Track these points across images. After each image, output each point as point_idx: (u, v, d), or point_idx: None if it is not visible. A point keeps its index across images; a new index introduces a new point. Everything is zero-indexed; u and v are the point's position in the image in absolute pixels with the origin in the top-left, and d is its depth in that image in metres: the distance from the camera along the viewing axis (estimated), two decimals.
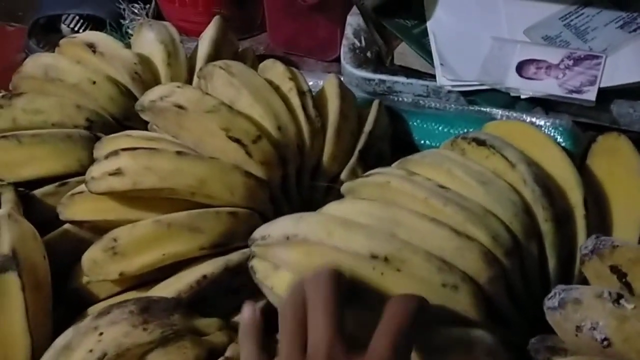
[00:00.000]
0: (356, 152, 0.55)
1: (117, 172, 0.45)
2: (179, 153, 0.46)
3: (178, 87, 0.51)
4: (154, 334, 0.39)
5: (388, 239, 0.41)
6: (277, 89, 0.54)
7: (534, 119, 0.55)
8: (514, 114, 0.56)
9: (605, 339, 0.36)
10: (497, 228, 0.43)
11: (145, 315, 0.40)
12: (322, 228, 0.41)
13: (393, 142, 0.61)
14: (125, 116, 0.57)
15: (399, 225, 0.42)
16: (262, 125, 0.50)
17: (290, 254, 0.41)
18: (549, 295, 0.38)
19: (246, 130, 0.49)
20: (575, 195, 0.47)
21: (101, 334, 0.40)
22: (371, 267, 0.40)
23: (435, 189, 0.45)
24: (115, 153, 0.46)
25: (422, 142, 0.60)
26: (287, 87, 0.54)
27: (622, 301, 0.37)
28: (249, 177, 0.47)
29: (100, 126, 0.56)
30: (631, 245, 0.40)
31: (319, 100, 0.56)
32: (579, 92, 0.55)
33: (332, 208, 0.44)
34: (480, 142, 0.50)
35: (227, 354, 0.40)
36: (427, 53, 0.62)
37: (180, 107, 0.49)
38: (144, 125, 0.55)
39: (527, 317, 0.44)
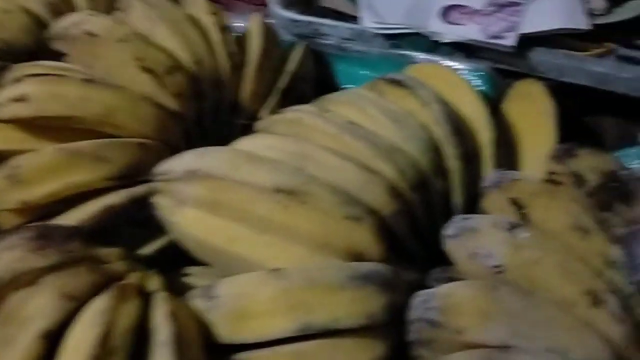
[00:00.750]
0: (277, 91, 0.55)
1: (22, 99, 0.44)
2: (87, 81, 0.45)
3: (91, 14, 0.49)
4: (50, 259, 0.38)
5: (294, 173, 0.41)
6: (197, 22, 0.53)
7: (453, 63, 0.55)
8: (435, 58, 0.56)
9: (498, 266, 0.37)
10: (404, 164, 0.43)
11: (42, 241, 0.39)
12: (226, 162, 0.40)
13: (318, 85, 0.61)
14: (41, 48, 0.55)
15: (307, 160, 0.42)
16: (178, 58, 0.49)
17: (194, 189, 0.41)
18: (447, 224, 0.39)
19: (160, 61, 0.48)
20: (485, 135, 0.48)
21: None
22: (275, 200, 0.40)
23: (346, 126, 0.45)
24: (19, 79, 0.45)
25: (346, 85, 0.60)
26: (208, 21, 0.53)
27: (517, 230, 0.38)
28: (160, 108, 0.46)
29: (13, 56, 0.54)
30: (532, 179, 0.41)
31: (242, 38, 0.55)
32: (499, 37, 0.56)
33: (241, 143, 0.44)
34: (397, 83, 0.50)
35: (127, 281, 0.40)
36: None
37: (91, 34, 0.47)
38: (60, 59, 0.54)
39: (432, 253, 0.45)
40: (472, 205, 0.46)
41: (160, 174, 0.42)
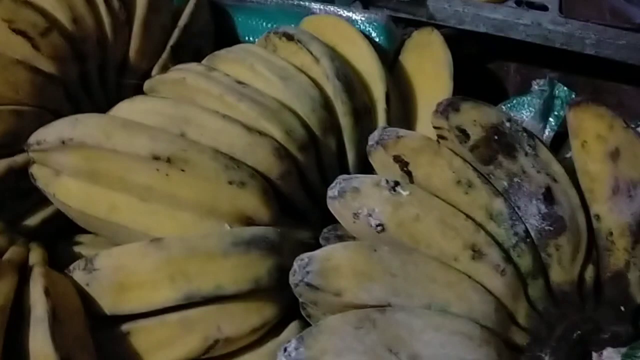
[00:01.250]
0: (168, 48, 0.53)
1: None
2: None
3: None
4: None
5: (172, 139, 0.39)
6: None
7: (350, 14, 0.54)
8: (332, 8, 0.55)
9: (379, 224, 0.37)
10: (291, 123, 0.43)
11: None
12: (99, 130, 0.39)
13: (218, 39, 0.59)
14: None
15: (189, 124, 0.41)
16: (54, 17, 0.46)
17: (69, 158, 0.39)
18: (331, 185, 0.39)
19: (33, 22, 0.45)
20: (378, 90, 0.48)
21: None
22: (154, 168, 0.38)
23: (232, 85, 0.43)
24: None
25: (246, 38, 0.59)
26: None
27: (398, 188, 0.38)
28: (35, 72, 0.44)
29: None
30: (416, 135, 0.41)
31: None
32: None
33: (120, 108, 0.42)
34: (289, 37, 0.49)
35: (5, 256, 0.38)
36: None
37: None
38: None
39: (326, 213, 0.45)
40: (366, 161, 0.46)
41: (34, 143, 0.40)
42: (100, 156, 0.39)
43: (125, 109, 0.42)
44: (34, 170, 0.41)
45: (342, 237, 0.41)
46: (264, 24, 0.57)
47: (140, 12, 0.51)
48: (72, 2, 0.47)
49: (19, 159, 0.43)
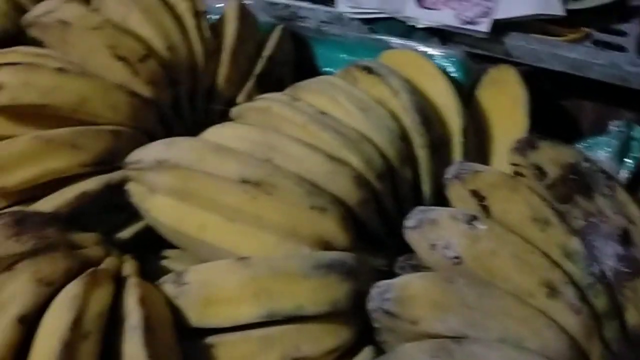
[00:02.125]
0: (253, 77, 0.55)
1: None
2: (59, 69, 0.46)
3: (65, 2, 0.49)
4: (26, 245, 0.40)
5: (260, 164, 0.42)
6: (171, 8, 0.53)
7: (428, 49, 0.56)
8: (410, 43, 0.57)
9: (456, 257, 0.38)
10: (370, 153, 0.44)
11: (18, 227, 0.40)
12: (193, 153, 0.41)
13: (298, 68, 0.61)
14: (21, 32, 0.56)
15: (274, 151, 0.43)
16: (151, 45, 0.49)
17: (163, 178, 0.42)
18: (408, 216, 0.40)
19: (133, 48, 0.48)
20: (455, 124, 0.49)
21: None
22: (243, 191, 0.41)
23: (315, 115, 0.46)
24: None
25: (325, 69, 0.61)
26: (183, 7, 0.53)
27: (475, 222, 0.39)
28: (133, 96, 0.47)
29: None
30: (493, 170, 0.42)
31: (219, 23, 0.56)
32: (473, 23, 0.56)
33: (211, 132, 0.45)
34: (369, 70, 0.51)
35: (102, 266, 0.41)
36: None
37: (64, 22, 0.48)
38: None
39: (400, 241, 0.46)
40: (442, 194, 0.47)
41: (131, 162, 0.43)
42: (193, 177, 0.41)
43: (216, 133, 0.45)
44: (130, 187, 0.44)
45: (417, 267, 0.43)
46: (343, 56, 0.60)
47: (229, 42, 0.54)
48: (168, 31, 0.50)
49: (116, 175, 0.46)
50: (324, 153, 0.43)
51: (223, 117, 0.55)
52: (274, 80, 0.57)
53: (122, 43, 0.48)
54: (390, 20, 0.59)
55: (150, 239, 0.47)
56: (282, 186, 0.41)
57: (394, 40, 0.57)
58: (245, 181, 0.40)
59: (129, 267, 0.43)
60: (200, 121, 0.54)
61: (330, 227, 0.41)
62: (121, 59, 0.47)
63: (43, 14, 0.48)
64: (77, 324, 0.37)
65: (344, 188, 0.42)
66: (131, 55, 0.48)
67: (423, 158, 0.46)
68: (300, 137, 0.44)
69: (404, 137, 0.46)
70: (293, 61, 0.61)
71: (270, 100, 0.47)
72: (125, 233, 0.47)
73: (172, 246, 0.47)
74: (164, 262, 0.46)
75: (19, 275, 0.39)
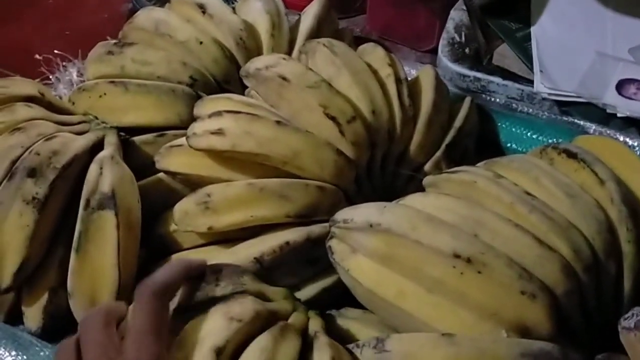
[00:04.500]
0: (443, 146, 0.56)
1: (219, 132, 0.48)
2: (278, 122, 0.48)
3: (283, 59, 0.52)
4: (224, 290, 0.41)
5: (472, 241, 0.41)
6: (375, 73, 0.55)
7: (627, 139, 0.54)
8: (607, 131, 0.55)
9: None
10: (579, 242, 0.43)
11: (218, 274, 0.42)
12: (406, 221, 0.42)
13: (479, 140, 0.61)
14: (226, 79, 0.60)
15: (482, 227, 0.43)
16: (358, 107, 0.51)
17: (371, 240, 0.43)
18: (626, 316, 0.38)
19: (343, 109, 0.50)
20: None
21: None
22: (452, 265, 0.41)
23: (521, 195, 0.45)
24: (218, 113, 0.49)
25: (509, 145, 0.61)
26: (385, 72, 0.55)
27: None
28: (339, 155, 0.49)
29: (201, 85, 0.58)
30: None
31: (413, 88, 0.57)
32: None
33: (416, 200, 0.45)
34: (571, 155, 0.50)
35: (290, 321, 0.42)
36: (527, 57, 0.62)
37: (284, 78, 0.50)
38: (241, 90, 0.58)
39: (596, 336, 0.44)
40: None
41: (340, 221, 0.44)
42: (402, 244, 0.42)
43: (420, 201, 0.45)
44: (333, 244, 0.45)
45: None
46: (531, 134, 0.59)
47: (425, 110, 0.55)
48: (373, 96, 0.52)
49: (316, 229, 0.48)
50: (533, 236, 0.42)
51: (409, 182, 0.56)
52: (460, 150, 0.58)
53: (334, 103, 0.50)
54: (587, 105, 0.58)
55: (335, 296, 0.48)
56: (493, 266, 0.40)
57: (591, 125, 0.56)
58: (456, 256, 0.40)
59: (315, 323, 0.44)
60: (388, 183, 0.55)
61: (537, 314, 0.40)
62: (331, 118, 0.49)
63: (264, 68, 0.52)
64: None
65: (553, 275, 0.41)
66: (341, 115, 0.50)
67: (629, 253, 0.45)
68: (507, 216, 0.44)
69: (610, 229, 0.45)
70: (476, 133, 0.61)
71: (474, 174, 0.47)
72: (313, 288, 0.49)
73: (352, 304, 0.47)
74: (347, 323, 0.46)
75: (212, 315, 0.41)
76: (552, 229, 0.43)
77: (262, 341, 0.40)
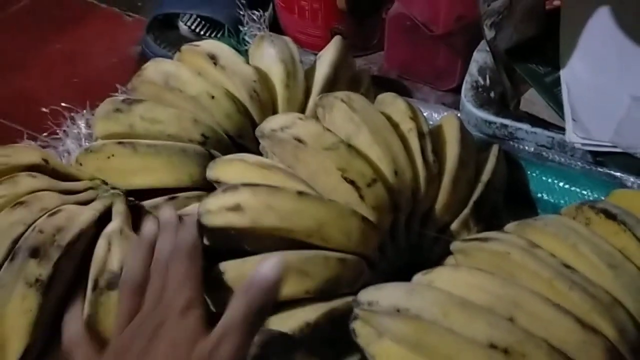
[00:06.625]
0: (471, 203, 0.53)
1: (236, 208, 0.44)
2: (299, 193, 0.45)
3: (300, 118, 0.50)
4: None
5: (509, 328, 0.38)
6: (396, 127, 0.52)
7: None
8: None
9: None
10: (624, 321, 0.40)
11: None
12: (437, 307, 0.39)
13: (507, 190, 0.58)
14: (239, 134, 0.57)
15: (519, 309, 0.39)
16: (379, 168, 0.48)
17: (399, 326, 0.39)
18: None
19: (362, 172, 0.47)
20: None
21: None
22: (487, 355, 0.37)
23: (560, 269, 0.42)
24: (234, 187, 0.45)
25: (540, 195, 0.57)
26: (407, 127, 0.52)
27: None
28: (365, 222, 0.46)
29: (214, 142, 0.55)
30: None
31: (437, 140, 0.54)
32: None
33: (447, 278, 0.42)
34: (610, 216, 0.46)
35: None
36: (557, 104, 0.58)
37: (299, 140, 0.48)
38: (255, 144, 0.55)
39: None
40: None
41: (364, 303, 0.41)
42: (432, 331, 0.38)
43: (451, 280, 0.42)
44: (357, 326, 0.42)
45: None
46: (563, 184, 0.56)
47: (450, 167, 0.52)
48: (395, 155, 0.49)
49: (339, 306, 0.45)
50: (575, 318, 0.39)
51: (435, 241, 0.53)
52: (489, 206, 0.54)
53: (353, 166, 0.47)
54: (624, 155, 0.54)
55: None
56: (532, 357, 0.37)
57: (629, 177, 0.53)
58: (493, 346, 0.37)
59: None
60: (413, 244, 0.52)
61: None
62: (350, 182, 0.46)
63: (279, 129, 0.49)
64: None
65: None
66: (360, 179, 0.47)
67: None
68: (544, 293, 0.40)
69: None
70: (505, 185, 0.58)
71: (507, 244, 0.44)
72: None
73: None
74: None
75: None
76: (595, 307, 0.40)
77: None
